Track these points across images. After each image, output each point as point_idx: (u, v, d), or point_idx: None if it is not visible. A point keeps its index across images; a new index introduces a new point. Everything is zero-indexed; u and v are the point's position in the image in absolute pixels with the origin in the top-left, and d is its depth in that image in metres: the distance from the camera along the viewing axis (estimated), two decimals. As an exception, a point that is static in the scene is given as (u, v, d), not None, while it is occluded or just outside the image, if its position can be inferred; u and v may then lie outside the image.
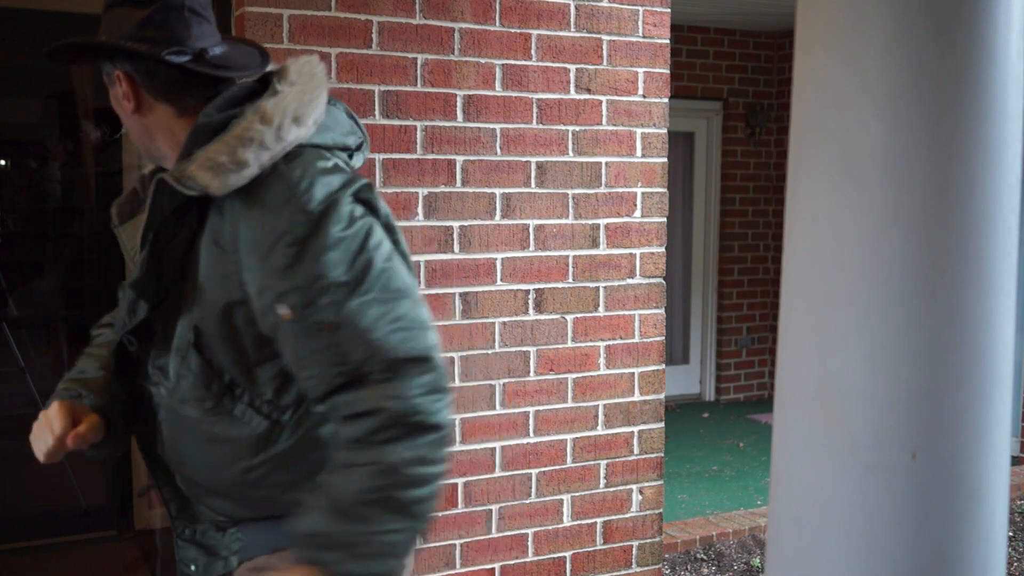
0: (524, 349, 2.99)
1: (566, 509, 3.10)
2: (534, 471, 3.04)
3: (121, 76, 1.47)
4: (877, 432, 0.91)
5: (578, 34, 3.01)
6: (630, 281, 3.14)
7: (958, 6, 0.87)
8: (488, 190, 2.91)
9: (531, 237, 2.98)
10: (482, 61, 2.88)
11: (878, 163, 0.89)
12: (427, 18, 2.80)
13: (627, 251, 3.13)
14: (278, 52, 2.54)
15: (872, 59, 0.89)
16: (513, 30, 2.92)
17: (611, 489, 3.17)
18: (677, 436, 5.95)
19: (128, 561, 3.91)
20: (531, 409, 3.02)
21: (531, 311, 2.99)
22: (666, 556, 4.07)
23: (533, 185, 2.97)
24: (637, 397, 3.18)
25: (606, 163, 3.08)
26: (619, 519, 3.19)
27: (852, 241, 0.91)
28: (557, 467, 3.07)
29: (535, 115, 2.96)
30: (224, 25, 2.05)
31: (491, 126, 2.90)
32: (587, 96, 3.03)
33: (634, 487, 3.21)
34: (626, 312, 3.14)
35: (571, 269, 3.05)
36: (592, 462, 3.13)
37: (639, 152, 3.13)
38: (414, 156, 2.80)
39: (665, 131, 3.17)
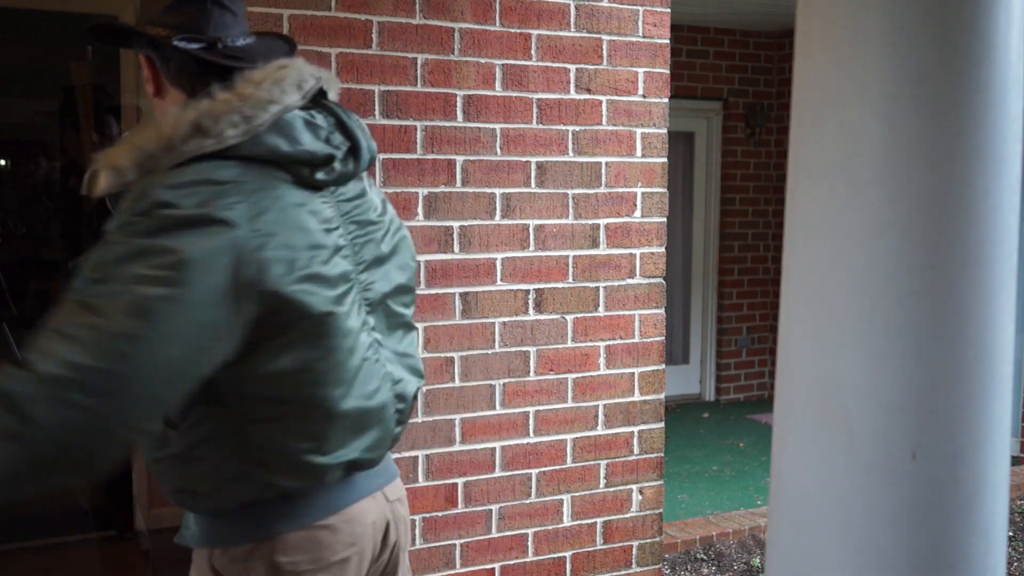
0: (524, 349, 2.99)
1: (566, 509, 3.10)
2: (534, 471, 3.04)
3: (143, 59, 1.54)
4: (877, 432, 0.91)
5: (578, 34, 3.01)
6: (630, 281, 3.14)
7: (958, 6, 0.87)
8: (488, 190, 2.91)
9: (531, 237, 2.98)
10: (482, 61, 2.88)
11: (878, 163, 0.89)
12: (427, 18, 2.80)
13: (627, 251, 3.13)
14: (278, 52, 2.54)
15: (872, 59, 0.89)
16: (513, 30, 2.92)
17: (611, 489, 3.17)
18: (677, 436, 5.95)
19: (128, 561, 3.91)
20: (531, 409, 3.02)
21: (531, 311, 2.99)
22: (666, 556, 4.07)
23: (533, 185, 2.97)
24: (637, 397, 3.18)
25: (606, 163, 3.08)
26: (619, 519, 3.19)
27: (852, 241, 0.91)
28: (557, 467, 3.07)
29: (535, 115, 2.96)
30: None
31: (491, 126, 2.90)
32: (587, 96, 3.03)
33: (634, 487, 3.21)
34: (626, 312, 3.14)
35: (571, 269, 3.05)
36: (592, 462, 3.13)
37: (639, 152, 3.13)
38: (414, 156, 2.80)
39: (665, 131, 3.17)
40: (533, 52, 2.95)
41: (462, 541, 2.95)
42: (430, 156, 2.82)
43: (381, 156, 2.76)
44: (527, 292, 2.98)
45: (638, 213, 3.14)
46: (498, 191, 2.92)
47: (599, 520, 3.16)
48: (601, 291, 3.10)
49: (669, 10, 3.14)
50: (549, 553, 3.09)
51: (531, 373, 3.00)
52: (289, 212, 1.42)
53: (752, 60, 7.01)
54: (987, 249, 0.89)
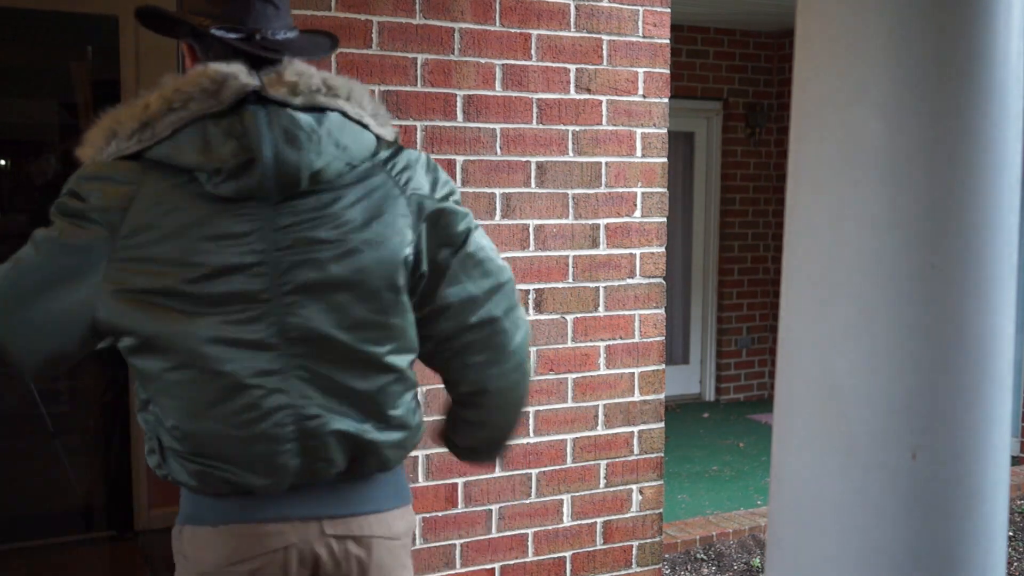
0: (524, 349, 2.99)
1: (566, 509, 3.10)
2: (534, 471, 3.04)
3: (185, 47, 1.56)
4: (877, 432, 0.91)
5: (578, 34, 3.01)
6: (630, 281, 3.14)
7: (958, 6, 0.87)
8: (488, 190, 2.91)
9: (531, 237, 2.98)
10: (482, 61, 2.88)
11: (878, 163, 0.89)
12: (427, 18, 2.80)
13: (627, 251, 3.13)
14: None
15: (872, 59, 0.89)
16: (513, 30, 2.92)
17: (611, 489, 3.17)
18: (677, 436, 5.95)
19: (128, 561, 3.91)
20: (531, 409, 3.02)
21: (531, 311, 2.99)
22: (666, 556, 4.07)
23: (533, 185, 2.97)
24: (637, 397, 3.18)
25: (606, 163, 3.08)
26: (619, 519, 3.19)
27: (852, 241, 0.91)
28: (557, 467, 3.07)
29: (535, 115, 2.96)
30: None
31: (491, 126, 2.90)
32: (587, 96, 3.03)
33: (634, 487, 3.21)
34: (626, 312, 3.14)
35: (571, 269, 3.05)
36: (592, 462, 3.13)
37: (639, 152, 3.13)
38: (414, 156, 2.80)
39: (665, 131, 3.17)
40: (533, 52, 2.95)
41: (462, 541, 2.95)
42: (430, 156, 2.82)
43: (381, 156, 2.76)
44: (527, 292, 2.98)
45: (638, 213, 3.14)
46: (498, 191, 2.92)
47: (599, 520, 3.16)
48: (601, 291, 3.10)
49: (669, 10, 3.14)
50: (549, 553, 3.09)
51: (531, 373, 3.00)
52: (173, 220, 1.45)
53: (752, 60, 7.01)
54: (987, 249, 0.89)
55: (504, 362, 1.63)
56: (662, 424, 3.24)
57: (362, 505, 1.60)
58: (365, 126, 1.54)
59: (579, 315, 3.07)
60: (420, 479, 2.88)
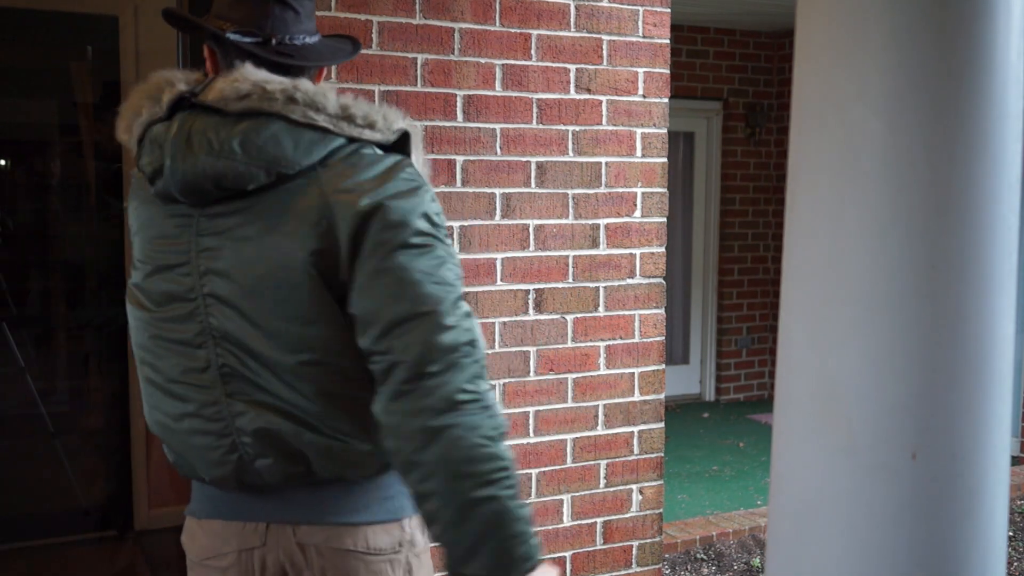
0: (524, 349, 2.99)
1: (566, 509, 3.10)
2: (534, 471, 3.04)
3: (207, 50, 1.57)
4: (877, 432, 0.91)
5: (578, 34, 3.01)
6: (630, 281, 3.14)
7: (958, 6, 0.87)
8: (488, 190, 2.91)
9: (531, 237, 2.98)
10: (482, 61, 2.88)
11: (878, 163, 0.89)
12: (427, 18, 2.80)
13: (627, 251, 3.13)
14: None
15: (872, 59, 0.89)
16: (513, 30, 2.92)
17: (611, 489, 3.17)
18: (677, 436, 5.95)
19: (128, 561, 3.91)
20: (531, 409, 3.02)
21: (531, 311, 2.99)
22: (666, 556, 4.07)
23: (533, 185, 2.97)
24: (637, 397, 3.18)
25: (606, 163, 3.08)
26: (619, 519, 3.19)
27: (852, 241, 0.91)
28: (557, 467, 3.07)
29: (535, 115, 2.96)
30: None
31: (491, 126, 2.90)
32: (587, 96, 3.03)
33: (634, 487, 3.21)
34: (626, 312, 3.14)
35: (571, 269, 3.05)
36: (592, 462, 3.13)
37: (639, 152, 3.13)
38: (414, 156, 2.80)
39: (665, 131, 3.17)
40: (533, 52, 2.95)
41: (462, 541, 2.95)
42: (430, 156, 2.82)
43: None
44: (527, 292, 2.98)
45: (638, 213, 3.14)
46: (498, 191, 2.92)
47: (599, 520, 3.16)
48: (601, 291, 3.10)
49: (669, 10, 3.14)
50: (549, 553, 3.09)
51: (531, 373, 3.00)
52: (139, 219, 1.59)
53: (752, 60, 7.01)
54: (987, 249, 0.89)
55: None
56: (662, 424, 3.24)
57: (337, 515, 1.55)
58: (326, 130, 1.45)
59: (579, 315, 3.07)
60: (420, 479, 2.88)
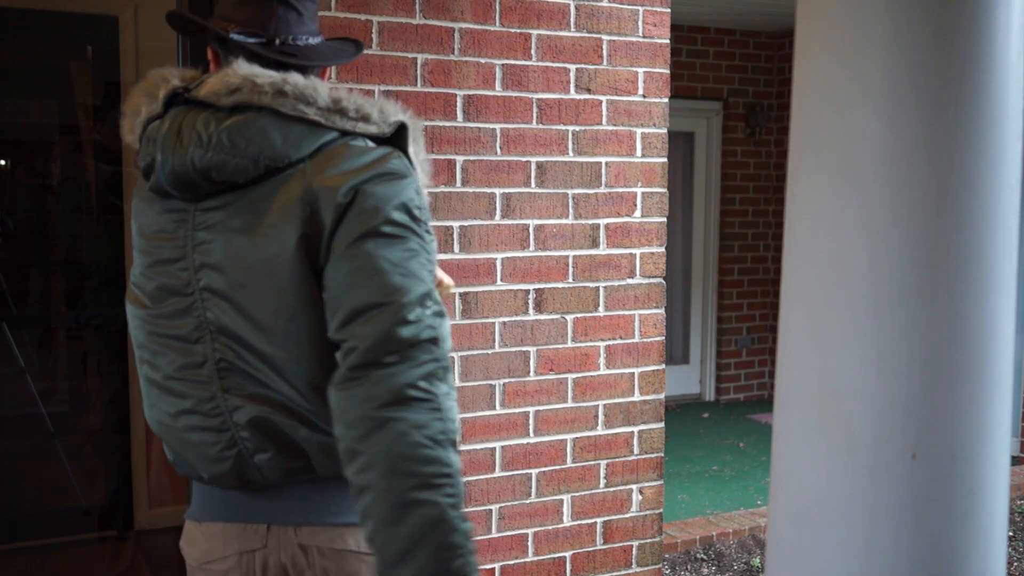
0: (524, 349, 2.99)
1: (566, 509, 3.10)
2: (534, 471, 3.04)
3: (210, 51, 1.59)
4: (877, 432, 0.91)
5: (578, 34, 3.01)
6: (630, 281, 3.14)
7: (958, 6, 0.87)
8: (488, 190, 2.91)
9: (531, 237, 2.98)
10: (482, 61, 2.88)
11: (878, 163, 0.89)
12: (427, 18, 2.80)
13: (627, 251, 3.13)
14: (278, 52, 2.54)
15: (872, 59, 0.89)
16: (513, 30, 2.92)
17: (611, 489, 3.17)
18: (677, 436, 5.95)
19: (128, 561, 3.91)
20: (531, 409, 3.02)
21: (531, 311, 2.99)
22: (666, 556, 4.07)
23: (533, 185, 2.97)
24: (637, 397, 3.18)
25: (606, 163, 3.08)
26: (619, 519, 3.19)
27: (852, 241, 0.91)
28: (557, 467, 3.07)
29: (535, 115, 2.96)
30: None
31: (491, 126, 2.90)
32: (587, 96, 3.03)
33: (634, 487, 3.21)
34: (626, 312, 3.14)
35: (571, 269, 3.05)
36: (592, 462, 3.13)
37: (639, 152, 3.13)
38: (414, 156, 2.80)
39: (665, 131, 3.17)
40: (533, 52, 2.95)
41: (462, 541, 2.95)
42: (430, 156, 2.82)
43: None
44: (527, 292, 2.98)
45: (638, 213, 3.14)
46: (498, 191, 2.92)
47: (599, 520, 3.16)
48: (601, 291, 3.10)
49: (669, 10, 3.14)
50: (549, 553, 3.09)
51: (531, 373, 3.00)
52: (139, 216, 1.59)
53: (752, 60, 7.01)
54: (987, 249, 0.89)
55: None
56: (662, 424, 3.24)
57: (339, 515, 1.54)
58: (316, 123, 1.44)
59: (579, 315, 3.07)
60: (420, 479, 2.87)
